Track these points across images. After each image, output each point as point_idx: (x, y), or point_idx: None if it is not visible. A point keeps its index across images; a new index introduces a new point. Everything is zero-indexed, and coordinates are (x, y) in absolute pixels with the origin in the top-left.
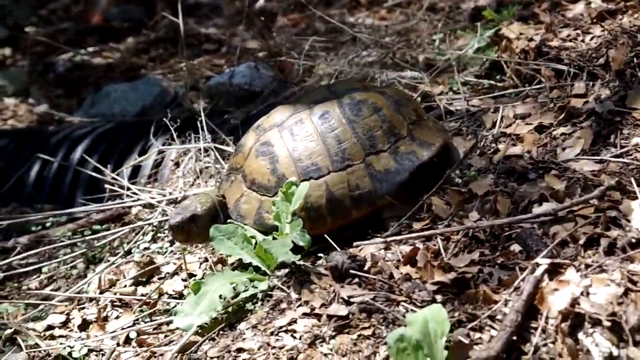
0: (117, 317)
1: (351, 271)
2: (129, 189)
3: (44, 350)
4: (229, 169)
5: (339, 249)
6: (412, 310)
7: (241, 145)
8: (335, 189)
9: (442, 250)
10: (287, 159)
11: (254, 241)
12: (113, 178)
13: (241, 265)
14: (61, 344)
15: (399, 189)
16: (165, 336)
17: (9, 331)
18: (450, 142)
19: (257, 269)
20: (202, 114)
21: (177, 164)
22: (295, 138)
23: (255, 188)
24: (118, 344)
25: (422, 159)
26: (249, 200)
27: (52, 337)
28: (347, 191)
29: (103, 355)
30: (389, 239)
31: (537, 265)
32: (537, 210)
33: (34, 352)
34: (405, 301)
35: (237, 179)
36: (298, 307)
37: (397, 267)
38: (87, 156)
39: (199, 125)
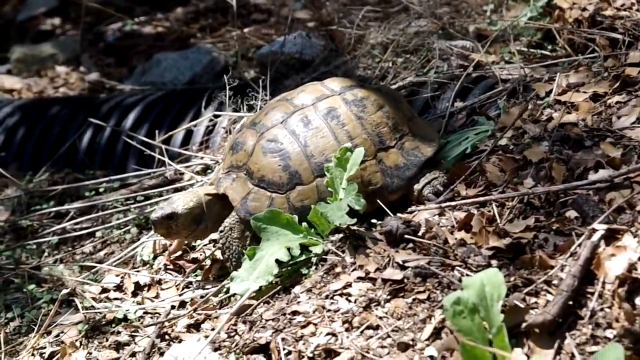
0: (170, 281)
1: (406, 236)
2: (180, 155)
3: (100, 312)
4: (228, 167)
5: (392, 215)
6: (467, 274)
7: (240, 142)
8: None
9: (497, 216)
10: (299, 156)
11: (295, 218)
12: (164, 144)
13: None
14: (117, 306)
15: (408, 184)
16: (220, 301)
17: (65, 291)
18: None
19: (311, 235)
20: (255, 82)
21: (228, 132)
22: (305, 134)
23: (265, 185)
24: (173, 307)
25: (427, 155)
26: (258, 197)
27: (107, 300)
28: (361, 186)
29: (157, 317)
30: (443, 205)
31: (594, 230)
32: (592, 177)
33: (90, 313)
34: (460, 266)
35: (240, 176)
36: (352, 271)
37: (452, 233)
38: (138, 123)
39: (250, 93)
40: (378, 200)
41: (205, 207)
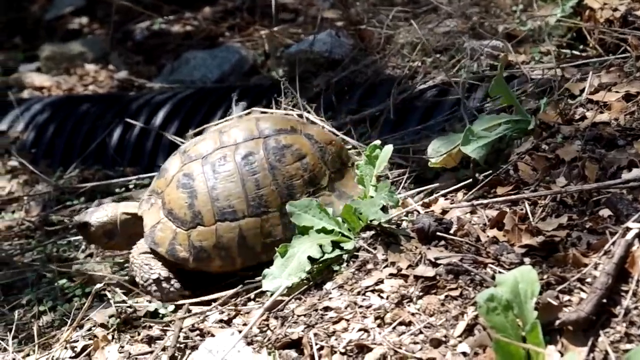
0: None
1: (438, 233)
2: None
3: (131, 307)
4: (150, 191)
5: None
6: (499, 272)
7: (165, 169)
8: (248, 234)
9: (530, 215)
10: (205, 197)
11: (330, 210)
12: None
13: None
14: (148, 301)
15: None
16: (249, 296)
17: (98, 286)
18: None
19: (341, 233)
20: (280, 81)
21: None
22: (216, 176)
23: (172, 218)
24: (204, 302)
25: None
26: (164, 228)
27: (139, 295)
28: (259, 237)
29: (188, 312)
30: (475, 203)
31: (628, 229)
32: (626, 176)
33: (122, 307)
34: (492, 263)
35: (157, 203)
36: (384, 267)
37: (484, 230)
38: (168, 121)
39: (280, 91)
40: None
41: (120, 224)
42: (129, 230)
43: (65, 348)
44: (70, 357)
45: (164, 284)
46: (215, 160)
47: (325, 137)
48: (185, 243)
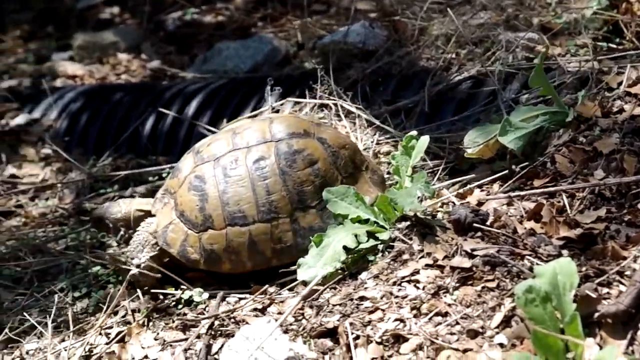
0: None
1: (474, 224)
2: None
3: (166, 294)
4: (164, 190)
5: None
6: (537, 264)
7: (178, 169)
8: (258, 239)
9: (568, 207)
10: (215, 200)
11: (366, 199)
12: None
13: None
14: (182, 288)
15: None
16: (283, 285)
17: (133, 272)
18: (383, 192)
19: (377, 223)
20: (316, 71)
21: None
22: (227, 180)
23: (184, 220)
24: (237, 291)
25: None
26: (176, 229)
27: (173, 282)
28: (269, 243)
29: (223, 300)
30: (512, 195)
31: None
32: None
33: (156, 294)
34: (530, 255)
35: (169, 203)
36: (420, 258)
37: (521, 222)
38: (201, 110)
39: (313, 81)
40: (286, 259)
41: (133, 220)
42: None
43: (100, 334)
44: (104, 343)
45: (139, 273)
46: (227, 163)
47: (339, 140)
48: (197, 245)
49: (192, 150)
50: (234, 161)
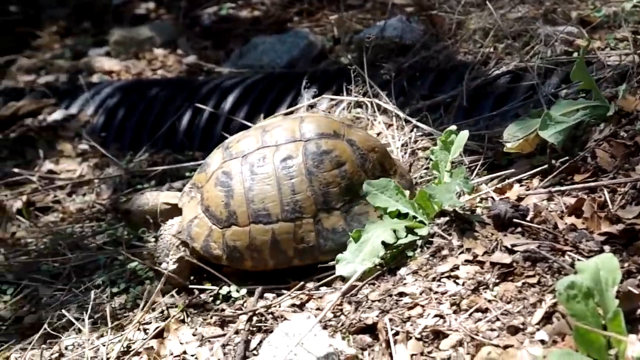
0: None
1: (514, 220)
2: None
3: (204, 290)
4: (191, 183)
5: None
6: (578, 259)
7: (207, 164)
8: (281, 238)
9: (609, 202)
10: (241, 197)
11: (407, 193)
12: None
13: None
14: (219, 284)
15: (342, 249)
16: (321, 281)
17: (171, 267)
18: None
19: (415, 218)
20: (351, 66)
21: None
22: (253, 177)
23: (209, 215)
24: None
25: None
26: (200, 224)
27: (211, 277)
28: (292, 242)
29: (261, 296)
30: (552, 190)
31: None
32: None
33: (194, 290)
34: (571, 251)
35: (196, 197)
36: (460, 254)
37: (561, 218)
38: (237, 105)
39: (349, 77)
40: (308, 260)
41: (160, 213)
42: (167, 218)
43: (138, 330)
44: (142, 339)
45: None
46: (255, 161)
47: (368, 143)
48: (220, 241)
49: (222, 145)
50: (261, 159)
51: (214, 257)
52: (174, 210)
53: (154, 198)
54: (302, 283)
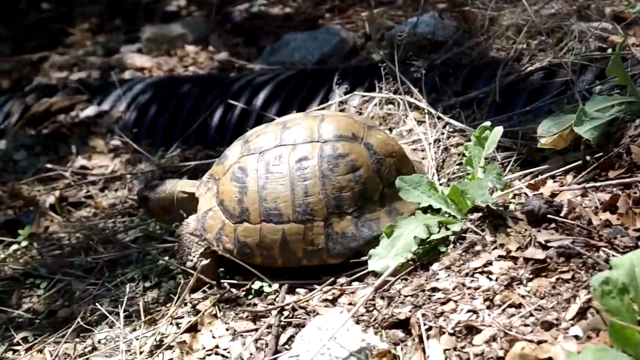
0: None
1: (548, 216)
2: None
3: (236, 284)
4: (209, 174)
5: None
6: (613, 255)
7: (225, 156)
8: (291, 239)
9: None
10: (254, 195)
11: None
12: None
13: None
14: (253, 279)
15: (351, 254)
16: (353, 276)
17: (204, 262)
18: None
19: (448, 213)
20: (383, 63)
21: (359, 111)
22: (268, 175)
23: (223, 209)
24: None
25: (381, 230)
26: (214, 216)
27: (244, 272)
28: (301, 244)
29: (293, 291)
30: (587, 186)
31: None
32: None
33: (227, 285)
34: (605, 246)
35: (212, 189)
36: (493, 249)
37: (596, 214)
38: (269, 102)
39: (382, 73)
40: (316, 261)
41: (176, 201)
42: (185, 208)
43: (171, 324)
44: (175, 333)
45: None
46: (271, 159)
47: (387, 148)
48: (232, 235)
49: (242, 138)
50: (277, 157)
51: (226, 250)
52: (191, 200)
53: (172, 186)
54: (333, 278)
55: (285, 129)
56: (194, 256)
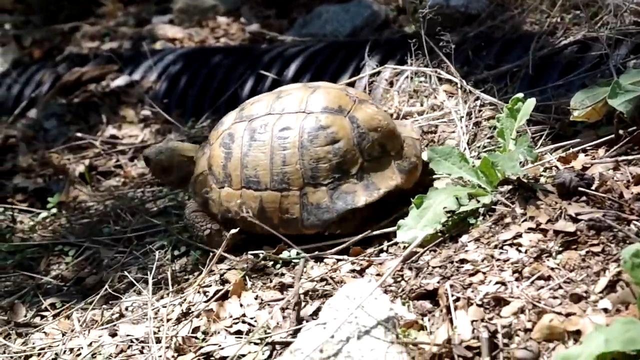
0: None
1: (579, 189)
2: None
3: (263, 254)
4: (208, 139)
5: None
6: None
7: (221, 122)
8: (267, 206)
9: None
10: (237, 162)
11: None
12: None
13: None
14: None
15: (324, 225)
16: (381, 247)
17: (233, 231)
18: (409, 181)
19: (478, 185)
20: (417, 35)
21: (390, 84)
22: (251, 143)
23: (210, 173)
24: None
25: (356, 204)
26: (203, 180)
27: (270, 243)
28: (277, 212)
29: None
30: (619, 159)
31: None
32: None
33: (254, 254)
34: (636, 220)
35: (207, 153)
36: (523, 222)
37: (627, 187)
38: (300, 73)
39: (413, 46)
40: (292, 231)
41: (176, 164)
42: (183, 170)
43: (198, 292)
44: (203, 302)
45: (216, 237)
46: (257, 127)
47: (372, 122)
48: (217, 200)
49: (241, 105)
50: (263, 125)
51: (211, 214)
52: (190, 163)
53: (171, 149)
54: (361, 247)
55: (277, 99)
56: (206, 224)
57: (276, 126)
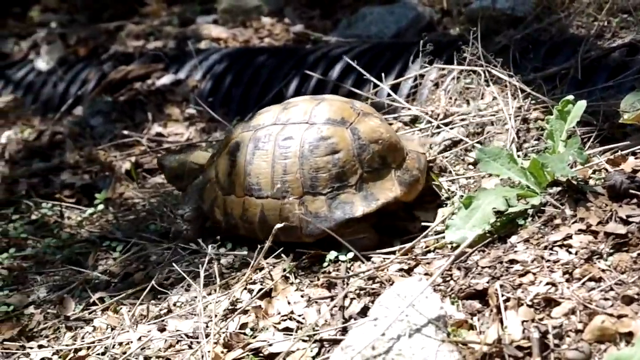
0: None
1: (630, 191)
2: (388, 105)
3: (310, 253)
4: (217, 148)
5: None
6: None
7: (230, 130)
8: (268, 214)
9: None
10: (241, 170)
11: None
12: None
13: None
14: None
15: (322, 234)
16: (429, 248)
17: (278, 226)
18: (409, 193)
19: (527, 187)
20: (463, 37)
21: (436, 85)
22: (255, 152)
23: (217, 180)
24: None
25: (353, 214)
26: (210, 188)
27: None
28: (278, 220)
29: (369, 260)
30: None
31: None
32: None
33: (301, 253)
34: None
35: (216, 161)
36: (573, 223)
37: None
38: (345, 74)
39: (458, 48)
40: (292, 239)
41: (187, 171)
42: (194, 177)
43: (245, 289)
44: (249, 298)
45: (183, 225)
46: (261, 136)
47: (373, 134)
48: (222, 207)
49: (250, 114)
50: (267, 135)
51: (216, 221)
52: (201, 170)
53: (185, 156)
54: (409, 247)
55: (284, 110)
56: (188, 207)
57: (279, 136)
